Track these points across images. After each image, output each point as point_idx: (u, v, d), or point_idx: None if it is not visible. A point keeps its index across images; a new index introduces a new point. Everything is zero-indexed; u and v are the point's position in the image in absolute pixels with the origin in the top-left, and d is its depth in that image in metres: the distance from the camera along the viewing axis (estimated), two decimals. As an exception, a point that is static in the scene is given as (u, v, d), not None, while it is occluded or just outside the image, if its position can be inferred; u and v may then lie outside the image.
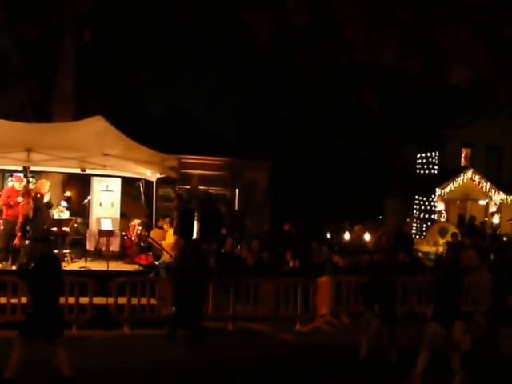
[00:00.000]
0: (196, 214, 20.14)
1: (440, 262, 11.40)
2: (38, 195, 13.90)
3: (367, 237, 16.76)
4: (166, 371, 8.77)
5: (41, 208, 13.83)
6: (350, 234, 17.58)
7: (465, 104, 24.52)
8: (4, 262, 12.92)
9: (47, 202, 14.13)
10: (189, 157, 21.71)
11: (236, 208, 23.94)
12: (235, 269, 12.79)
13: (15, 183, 13.68)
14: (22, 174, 13.48)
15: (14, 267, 12.46)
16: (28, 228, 13.06)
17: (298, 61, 19.94)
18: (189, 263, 10.89)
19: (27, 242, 12.81)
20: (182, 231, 13.43)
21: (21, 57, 19.67)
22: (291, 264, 14.42)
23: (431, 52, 17.51)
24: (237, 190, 24.34)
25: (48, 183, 14.49)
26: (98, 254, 14.40)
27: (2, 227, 13.52)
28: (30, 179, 13.87)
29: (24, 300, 11.02)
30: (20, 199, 13.01)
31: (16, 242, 12.77)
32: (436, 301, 8.79)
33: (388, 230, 18.81)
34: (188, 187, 22.82)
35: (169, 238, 14.17)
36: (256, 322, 12.08)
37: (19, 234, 12.74)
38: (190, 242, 12.49)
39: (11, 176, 15.49)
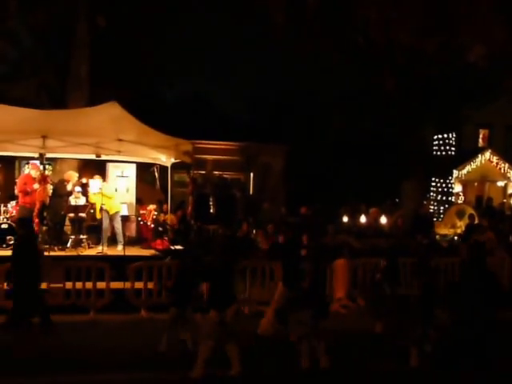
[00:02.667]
0: (211, 198, 20.28)
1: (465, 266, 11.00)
2: (65, 183, 14.09)
3: (383, 220, 16.68)
4: (184, 353, 8.82)
5: (61, 195, 13.98)
6: (366, 217, 17.51)
7: (483, 84, 24.21)
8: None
9: (69, 191, 14.27)
10: (203, 142, 21.66)
11: (251, 192, 23.92)
12: (251, 253, 12.80)
13: (31, 170, 13.81)
14: (38, 162, 13.57)
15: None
16: (45, 214, 13.16)
17: (312, 43, 19.77)
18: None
19: (44, 228, 12.92)
20: (197, 216, 13.46)
21: (35, 44, 19.73)
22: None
23: (448, 30, 17.27)
24: (251, 175, 24.29)
25: (76, 175, 14.70)
26: (114, 240, 14.48)
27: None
28: (46, 166, 13.95)
29: (43, 285, 11.15)
30: (36, 186, 13.11)
31: (34, 227, 12.85)
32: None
33: (405, 212, 18.72)
34: (203, 172, 22.82)
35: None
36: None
37: (36, 220, 12.83)
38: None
39: (27, 163, 15.62)
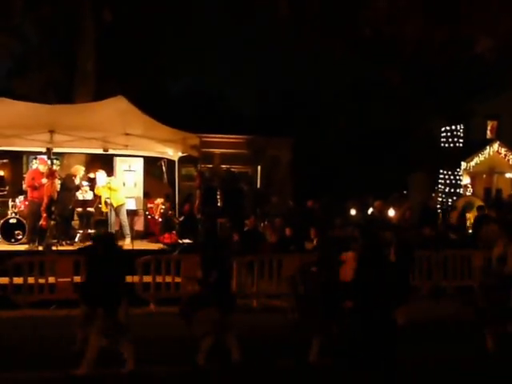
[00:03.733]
0: (218, 192, 20.28)
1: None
2: (73, 177, 14.15)
3: (391, 212, 16.62)
4: (192, 347, 8.83)
5: (69, 189, 14.03)
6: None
7: (491, 76, 24.07)
8: (31, 244, 13.08)
9: (77, 185, 14.30)
10: (210, 135, 21.65)
11: (258, 186, 23.91)
12: (258, 246, 12.80)
13: (39, 165, 13.86)
14: (45, 156, 13.61)
15: (40, 248, 12.64)
16: (53, 209, 13.20)
17: (318, 37, 19.69)
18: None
19: (52, 222, 12.96)
20: (205, 209, 13.47)
21: (41, 39, 19.76)
22: (315, 242, 14.34)
23: (455, 22, 17.18)
24: (259, 168, 24.29)
25: (83, 168, 14.73)
26: (122, 234, 14.50)
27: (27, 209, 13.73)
28: (54, 161, 13.98)
29: (51, 279, 11.20)
30: (44, 181, 13.15)
31: (42, 222, 12.90)
32: None
33: (412, 204, 18.66)
34: (210, 166, 22.83)
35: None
36: (280, 298, 12.09)
37: (44, 214, 12.86)
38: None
39: (35, 158, 15.66)
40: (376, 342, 6.91)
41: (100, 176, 14.37)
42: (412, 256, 11.01)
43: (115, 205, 14.19)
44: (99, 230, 11.27)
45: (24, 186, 14.89)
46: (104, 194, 14.29)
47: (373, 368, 6.97)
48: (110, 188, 14.02)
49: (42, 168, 13.55)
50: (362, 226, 12.48)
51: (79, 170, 14.47)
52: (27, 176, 14.11)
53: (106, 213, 14.52)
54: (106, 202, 14.27)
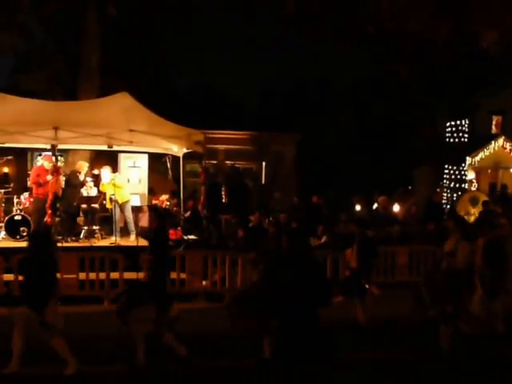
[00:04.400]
0: (223, 188, 20.28)
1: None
2: (78, 174, 14.16)
3: (396, 207, 16.59)
4: (199, 342, 8.86)
5: (74, 186, 14.04)
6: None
7: (496, 70, 23.96)
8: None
9: (81, 181, 14.31)
10: (215, 131, 21.64)
11: (263, 182, 23.91)
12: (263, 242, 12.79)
13: (44, 162, 13.83)
14: (50, 153, 13.62)
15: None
16: (58, 205, 13.21)
17: (323, 32, 19.63)
18: None
19: (57, 219, 12.98)
20: (210, 206, 13.46)
21: (46, 35, 19.77)
22: (323, 239, 14.34)
23: (460, 16, 17.10)
24: (263, 164, 24.28)
25: (87, 164, 14.73)
26: (126, 230, 14.52)
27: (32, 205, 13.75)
28: (59, 157, 13.99)
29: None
30: (49, 177, 13.16)
31: (47, 219, 12.92)
32: None
33: (418, 199, 18.62)
34: (215, 162, 22.82)
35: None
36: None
37: (49, 211, 12.88)
38: None
39: (40, 155, 15.68)
40: (299, 343, 6.75)
41: (105, 173, 14.37)
42: (374, 253, 10.79)
43: (120, 201, 14.20)
44: (38, 228, 11.22)
45: (29, 183, 14.91)
46: (109, 191, 14.29)
47: (302, 368, 6.82)
48: (114, 185, 14.02)
49: (47, 165, 13.56)
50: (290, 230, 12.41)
51: (83, 167, 14.49)
52: (32, 173, 14.12)
53: (111, 209, 14.52)
54: (110, 199, 14.27)
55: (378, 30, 18.09)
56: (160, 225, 9.42)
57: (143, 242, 13.12)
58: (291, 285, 6.89)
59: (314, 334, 6.79)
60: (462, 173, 24.69)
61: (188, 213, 15.75)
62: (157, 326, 7.88)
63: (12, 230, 13.48)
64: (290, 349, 6.80)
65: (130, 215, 14.44)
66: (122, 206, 14.29)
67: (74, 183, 14.13)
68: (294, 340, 6.77)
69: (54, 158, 13.26)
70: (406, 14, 17.40)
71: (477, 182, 24.97)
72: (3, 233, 13.58)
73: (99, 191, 14.55)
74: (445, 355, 8.60)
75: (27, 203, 14.02)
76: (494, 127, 27.02)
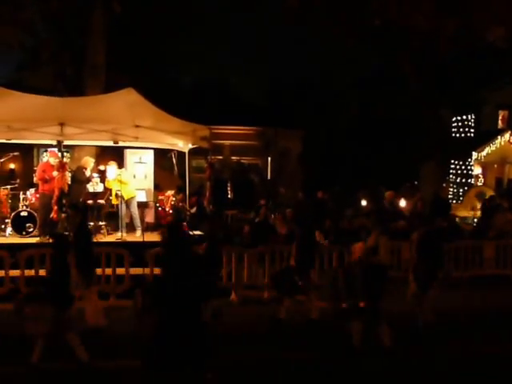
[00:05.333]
0: (229, 184, 20.28)
1: None
2: (84, 170, 14.17)
3: (402, 203, 16.55)
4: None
5: (80, 182, 14.05)
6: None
7: (501, 65, 23.87)
8: (42, 236, 13.13)
9: (87, 177, 14.33)
10: (221, 127, 21.63)
11: (269, 177, 23.89)
12: (269, 238, 12.79)
13: (50, 158, 13.85)
14: (56, 149, 13.63)
15: (51, 240, 12.67)
16: (64, 201, 13.23)
17: (327, 27, 19.57)
18: None
19: (63, 215, 12.99)
20: (215, 201, 13.44)
21: (51, 32, 19.76)
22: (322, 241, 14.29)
23: (466, 10, 17.04)
24: (269, 159, 24.25)
25: (93, 160, 14.74)
26: (132, 226, 14.53)
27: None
28: (64, 153, 14.00)
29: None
30: (55, 173, 13.18)
31: (53, 215, 12.95)
32: None
33: (424, 195, 18.58)
34: (220, 157, 22.81)
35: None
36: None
37: (55, 207, 12.90)
38: None
39: (46, 151, 15.70)
40: (178, 340, 6.36)
41: (110, 169, 14.38)
42: (312, 250, 10.59)
43: (126, 197, 14.20)
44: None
45: (35, 179, 14.92)
46: (114, 187, 14.30)
47: (176, 369, 6.41)
48: (120, 181, 14.02)
49: (53, 161, 13.57)
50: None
51: (89, 162, 14.49)
52: (38, 169, 14.13)
53: (117, 205, 14.53)
54: (116, 195, 14.28)
55: (383, 24, 18.04)
56: (82, 221, 9.39)
57: (149, 238, 13.17)
58: (174, 276, 6.51)
59: (194, 329, 6.40)
60: (469, 168, 24.64)
61: (194, 208, 15.75)
62: (54, 325, 7.58)
63: (18, 226, 13.51)
64: (164, 344, 6.37)
65: (135, 211, 14.44)
66: (127, 202, 14.29)
67: (80, 179, 14.15)
68: (170, 335, 6.37)
69: (59, 154, 13.29)
70: (412, 8, 17.35)
71: (483, 177, 24.91)
72: (10, 229, 13.61)
73: (105, 187, 14.57)
74: (355, 354, 8.29)
75: (33, 199, 14.04)
76: (500, 122, 26.91)
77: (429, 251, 9.39)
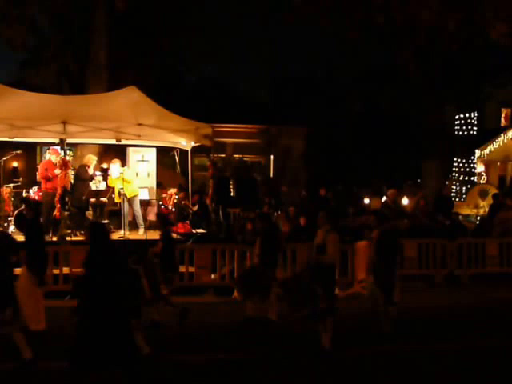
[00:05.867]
0: (231, 182, 20.29)
1: None
2: (86, 167, 14.18)
3: (405, 201, 16.54)
4: (209, 335, 8.90)
5: (83, 180, 14.07)
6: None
7: (505, 62, 23.85)
8: (45, 234, 13.13)
9: (91, 175, 14.34)
10: (223, 125, 21.62)
11: (271, 175, 23.88)
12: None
13: (52, 156, 13.84)
14: (58, 147, 13.64)
15: (54, 238, 12.72)
16: (67, 199, 13.24)
17: (332, 23, 19.52)
18: None
19: (66, 213, 13.01)
20: (218, 199, 13.45)
21: (54, 29, 19.77)
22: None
23: (470, 7, 17.00)
24: (272, 157, 24.25)
25: (95, 158, 14.75)
26: (135, 224, 14.55)
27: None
28: (67, 151, 14.01)
29: (66, 270, 11.28)
30: (58, 171, 13.20)
31: (55, 213, 12.96)
32: None
33: (426, 193, 18.57)
34: (223, 156, 22.81)
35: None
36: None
37: (58, 205, 12.91)
38: None
39: (48, 149, 15.70)
40: (100, 339, 6.22)
41: (114, 167, 14.39)
42: (278, 248, 10.15)
43: (129, 195, 14.22)
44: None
45: (38, 177, 14.94)
46: (117, 185, 14.31)
47: (100, 368, 6.30)
48: (123, 179, 14.03)
49: (55, 159, 13.58)
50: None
51: (91, 160, 14.51)
52: (40, 167, 14.12)
53: (120, 203, 14.54)
54: (119, 193, 14.29)
55: (387, 20, 18.00)
56: (33, 218, 9.33)
57: (152, 236, 13.18)
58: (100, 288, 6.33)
59: (116, 329, 6.26)
60: (471, 166, 24.60)
61: (196, 206, 15.76)
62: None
63: (21, 224, 13.52)
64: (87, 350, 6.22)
65: (138, 209, 14.45)
66: (130, 200, 14.31)
67: (82, 177, 14.17)
68: (91, 334, 6.24)
69: (62, 152, 13.29)
70: (416, 4, 17.31)
71: (486, 175, 24.86)
72: (12, 227, 13.63)
73: (108, 185, 14.58)
74: (326, 355, 8.14)
75: (36, 197, 14.06)
76: (503, 120, 26.88)
77: (387, 251, 9.15)
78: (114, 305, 6.27)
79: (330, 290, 8.41)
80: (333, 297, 8.42)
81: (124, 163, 15.16)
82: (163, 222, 10.75)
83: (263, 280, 9.53)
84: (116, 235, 13.82)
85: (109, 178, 14.56)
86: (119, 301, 6.33)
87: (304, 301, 8.23)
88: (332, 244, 8.58)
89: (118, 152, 16.17)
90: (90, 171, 14.38)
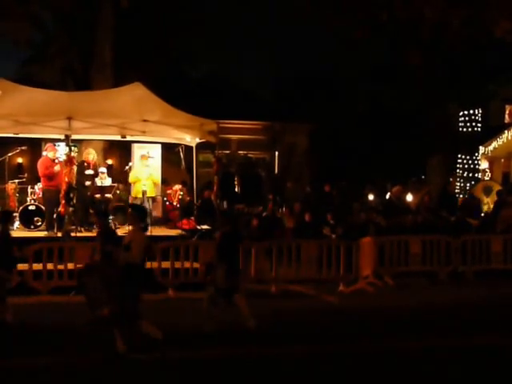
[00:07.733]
0: (236, 178, 20.30)
1: None
2: (85, 164, 14.19)
3: (409, 197, 16.54)
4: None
5: (83, 175, 14.07)
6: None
7: (509, 59, 23.79)
8: (50, 230, 13.18)
9: (94, 170, 14.35)
10: (228, 121, 21.57)
11: (276, 172, 23.86)
12: (277, 231, 12.82)
13: (49, 153, 13.78)
14: (56, 143, 13.67)
15: (59, 234, 12.75)
16: (72, 195, 13.25)
17: (336, 20, 19.50)
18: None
19: (71, 209, 13.04)
20: (223, 195, 13.46)
21: (59, 26, 19.80)
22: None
23: (474, 4, 16.97)
24: (276, 154, 24.22)
25: (94, 152, 14.75)
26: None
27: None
28: (72, 148, 14.01)
29: (70, 266, 11.31)
30: (58, 168, 13.22)
31: (60, 209, 12.98)
32: None
33: (431, 189, 18.57)
34: (228, 152, 22.81)
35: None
36: (299, 284, 12.11)
37: (63, 201, 12.93)
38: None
39: (55, 145, 15.72)
40: None
41: (141, 165, 14.47)
42: (237, 245, 9.77)
43: (149, 194, 14.24)
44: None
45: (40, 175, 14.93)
46: (141, 183, 14.28)
47: None
48: (153, 180, 14.12)
49: (52, 155, 13.59)
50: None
51: (86, 154, 14.50)
52: (39, 165, 13.76)
53: (124, 200, 14.58)
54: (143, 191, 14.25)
55: (391, 17, 17.98)
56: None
57: (157, 232, 13.22)
58: None
59: None
60: (476, 162, 24.56)
61: (198, 202, 15.76)
62: None
63: (26, 219, 13.58)
64: None
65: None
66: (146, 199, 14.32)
67: (81, 172, 14.05)
68: None
69: (67, 149, 13.27)
70: (420, 1, 17.29)
71: (490, 172, 24.81)
72: (17, 222, 13.67)
73: (113, 181, 14.60)
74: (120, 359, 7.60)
75: (41, 193, 14.09)
76: (507, 116, 26.79)
77: (226, 254, 8.83)
78: None
79: (135, 292, 7.92)
80: (137, 297, 7.90)
81: (128, 159, 15.19)
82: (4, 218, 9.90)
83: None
84: (121, 231, 13.84)
85: (131, 173, 14.54)
86: None
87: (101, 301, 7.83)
88: (137, 244, 8.06)
89: (122, 148, 16.21)
90: (90, 158, 14.35)
